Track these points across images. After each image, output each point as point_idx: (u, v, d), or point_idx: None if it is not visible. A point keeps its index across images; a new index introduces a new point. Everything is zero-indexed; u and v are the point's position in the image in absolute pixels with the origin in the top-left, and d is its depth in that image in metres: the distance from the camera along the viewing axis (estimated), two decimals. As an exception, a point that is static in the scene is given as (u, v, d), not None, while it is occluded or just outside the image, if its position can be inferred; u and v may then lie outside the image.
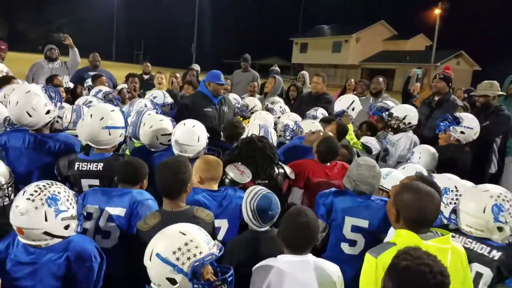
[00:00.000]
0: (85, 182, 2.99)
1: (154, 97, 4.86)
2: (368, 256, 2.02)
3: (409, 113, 4.73)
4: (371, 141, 4.85)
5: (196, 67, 9.63)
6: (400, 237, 1.99)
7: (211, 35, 71.94)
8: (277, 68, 9.24)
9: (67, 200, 2.13)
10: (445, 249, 1.92)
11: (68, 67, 7.28)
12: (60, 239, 2.12)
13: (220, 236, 2.83)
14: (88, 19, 69.94)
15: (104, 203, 2.63)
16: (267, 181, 3.21)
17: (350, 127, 4.86)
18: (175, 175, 2.46)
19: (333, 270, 2.24)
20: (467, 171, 3.85)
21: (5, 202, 2.60)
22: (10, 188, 2.64)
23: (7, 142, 3.19)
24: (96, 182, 2.98)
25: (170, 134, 3.58)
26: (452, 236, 2.12)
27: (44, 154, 3.17)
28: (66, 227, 2.13)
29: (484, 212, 2.28)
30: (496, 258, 2.19)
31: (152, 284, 1.86)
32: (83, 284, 2.17)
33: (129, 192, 2.67)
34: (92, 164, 2.99)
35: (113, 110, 3.19)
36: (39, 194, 2.05)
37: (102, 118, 3.06)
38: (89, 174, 2.98)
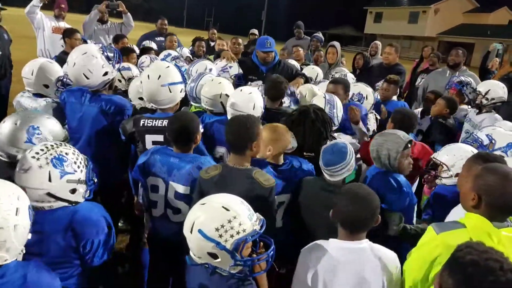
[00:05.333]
0: (149, 138, 3.04)
1: (230, 67, 4.87)
2: (430, 229, 1.85)
3: (494, 87, 4.26)
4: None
5: (255, 32, 9.61)
6: (470, 220, 1.79)
7: (282, 2, 70.90)
8: (320, 35, 8.48)
9: (75, 162, 2.03)
10: None
11: (121, 30, 7.26)
12: (66, 203, 2.03)
13: (282, 210, 2.72)
14: (160, -16, 71.03)
15: (167, 175, 2.63)
16: (313, 155, 2.96)
17: None
18: (240, 129, 2.40)
19: (392, 259, 1.97)
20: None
21: None
22: None
23: (66, 98, 3.37)
24: (160, 138, 3.01)
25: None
26: None
27: (96, 113, 3.28)
28: (73, 191, 2.03)
29: None
30: None
31: (191, 254, 1.82)
32: (87, 256, 2.12)
33: (187, 164, 2.61)
34: (157, 120, 3.03)
35: (168, 67, 3.17)
36: (45, 153, 1.95)
37: (160, 76, 3.05)
38: (154, 129, 3.02)
